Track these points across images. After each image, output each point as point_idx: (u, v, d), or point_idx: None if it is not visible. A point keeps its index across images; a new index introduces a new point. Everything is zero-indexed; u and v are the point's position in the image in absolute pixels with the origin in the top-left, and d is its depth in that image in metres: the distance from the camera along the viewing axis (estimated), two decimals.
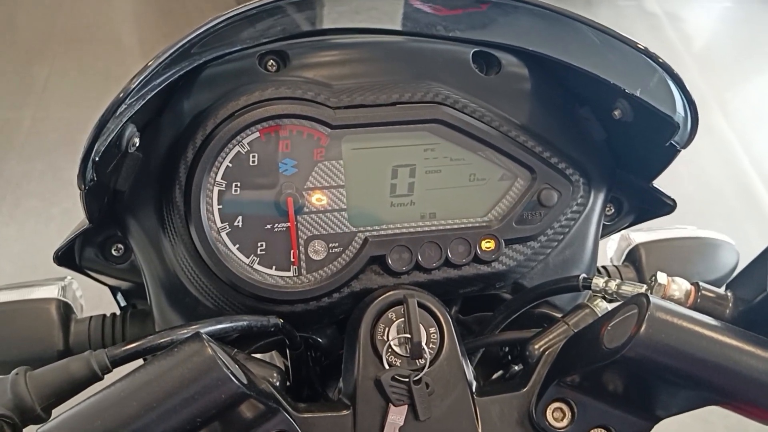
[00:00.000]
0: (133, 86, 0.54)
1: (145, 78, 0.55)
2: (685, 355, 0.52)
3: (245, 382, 0.50)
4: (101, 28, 3.61)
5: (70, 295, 0.81)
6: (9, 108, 3.10)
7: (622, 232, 0.89)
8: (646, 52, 0.63)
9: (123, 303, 0.84)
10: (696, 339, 0.53)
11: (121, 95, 0.53)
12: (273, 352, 0.84)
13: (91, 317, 0.77)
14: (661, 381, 0.54)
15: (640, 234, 0.92)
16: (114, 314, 0.78)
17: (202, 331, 0.56)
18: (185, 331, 0.55)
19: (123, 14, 3.77)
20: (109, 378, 0.52)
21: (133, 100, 0.58)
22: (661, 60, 0.62)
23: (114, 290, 0.83)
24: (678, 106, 0.65)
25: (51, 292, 0.79)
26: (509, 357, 0.82)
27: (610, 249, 0.96)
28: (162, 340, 0.54)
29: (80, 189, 0.57)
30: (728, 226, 2.81)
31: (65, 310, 0.77)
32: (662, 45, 3.80)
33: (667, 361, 0.52)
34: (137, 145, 0.63)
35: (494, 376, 0.83)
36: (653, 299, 0.54)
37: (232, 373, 0.48)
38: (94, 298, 0.93)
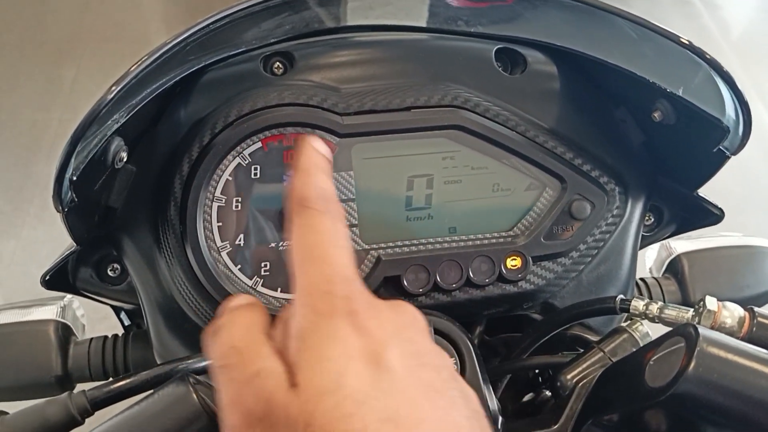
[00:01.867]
0: (111, 96, 0.49)
1: (125, 86, 0.50)
2: (740, 396, 0.45)
3: None
4: (128, 27, 3.60)
5: (70, 316, 0.77)
6: (37, 109, 3.10)
7: (663, 240, 0.82)
8: (690, 47, 0.55)
9: (127, 322, 0.80)
10: (753, 377, 0.46)
11: (96, 107, 0.48)
12: None
13: (91, 339, 0.73)
14: (712, 425, 0.47)
15: (682, 243, 0.85)
16: (116, 335, 0.74)
17: (195, 366, 0.50)
18: (173, 369, 0.50)
19: (151, 13, 3.76)
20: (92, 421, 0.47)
21: (118, 110, 0.53)
22: (708, 56, 0.55)
23: (117, 310, 0.78)
24: (728, 108, 0.58)
25: (49, 313, 0.75)
26: (540, 378, 0.75)
27: (649, 259, 0.88)
28: (148, 379, 0.49)
29: (57, 211, 0.52)
30: None
31: (64, 332, 0.72)
32: (699, 34, 3.67)
33: (720, 402, 0.46)
34: (125, 159, 0.58)
35: (525, 399, 0.77)
36: (702, 331, 0.47)
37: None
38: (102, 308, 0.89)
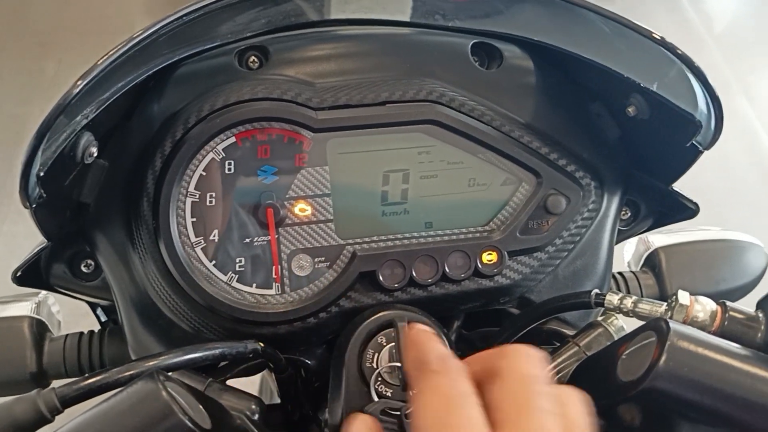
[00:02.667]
0: (77, 91, 0.48)
1: (93, 79, 0.49)
2: (710, 390, 0.46)
3: (208, 427, 0.44)
4: (111, 20, 3.56)
5: (45, 312, 0.76)
6: (18, 104, 3.07)
7: (641, 234, 0.82)
8: (662, 43, 0.55)
9: (104, 318, 0.79)
10: (723, 371, 0.46)
11: (61, 102, 0.47)
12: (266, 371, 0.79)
13: (66, 336, 0.72)
14: (684, 418, 0.47)
15: (660, 237, 0.85)
16: (92, 332, 0.73)
17: (166, 364, 0.50)
18: (144, 366, 0.49)
19: (133, 5, 3.72)
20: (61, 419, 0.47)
21: (87, 105, 0.52)
22: (680, 51, 0.55)
23: (93, 306, 0.77)
24: (700, 103, 0.58)
25: (24, 309, 0.74)
26: None
27: (627, 253, 0.89)
28: (120, 377, 0.49)
29: (25, 207, 0.51)
30: (752, 215, 2.72)
31: (39, 328, 0.71)
32: (683, 27, 3.69)
33: (691, 396, 0.46)
34: (95, 155, 0.58)
35: None
36: (673, 325, 0.47)
37: (190, 419, 0.42)
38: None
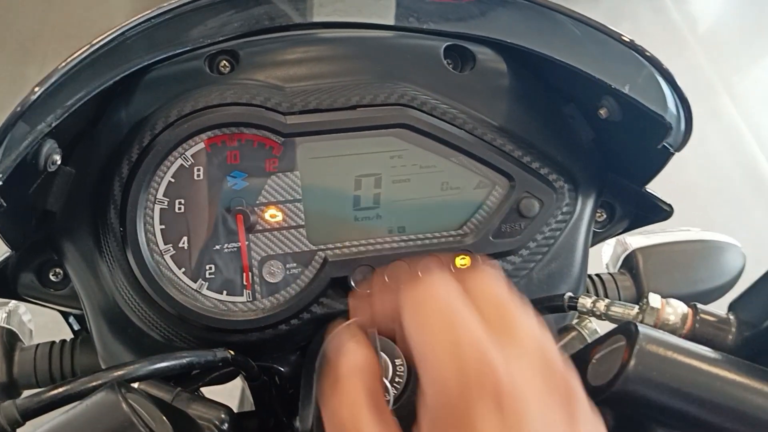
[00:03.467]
0: (35, 98, 0.47)
1: (52, 85, 0.48)
2: (679, 393, 0.45)
3: None
4: (94, 24, 3.54)
5: (15, 322, 0.75)
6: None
7: (618, 236, 0.82)
8: (632, 46, 0.55)
9: (77, 327, 0.78)
10: (693, 374, 0.46)
11: (18, 109, 0.46)
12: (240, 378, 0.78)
13: (37, 345, 0.71)
14: (655, 422, 0.47)
15: (638, 238, 0.84)
16: (63, 341, 0.72)
17: (132, 376, 0.49)
18: (107, 377, 0.49)
19: (116, 9, 3.70)
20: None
21: (49, 112, 0.51)
22: (648, 54, 0.55)
23: (65, 314, 0.76)
24: (670, 105, 0.58)
25: None
26: None
27: (605, 254, 0.88)
28: (82, 388, 0.48)
29: None
30: (736, 213, 2.74)
31: (9, 338, 0.71)
32: (667, 28, 3.71)
33: (660, 400, 0.46)
34: (58, 162, 0.57)
35: None
36: (642, 329, 0.47)
37: (151, 430, 0.41)
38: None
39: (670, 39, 3.63)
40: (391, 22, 0.72)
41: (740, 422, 0.45)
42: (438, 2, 0.73)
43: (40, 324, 0.81)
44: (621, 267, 0.83)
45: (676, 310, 0.53)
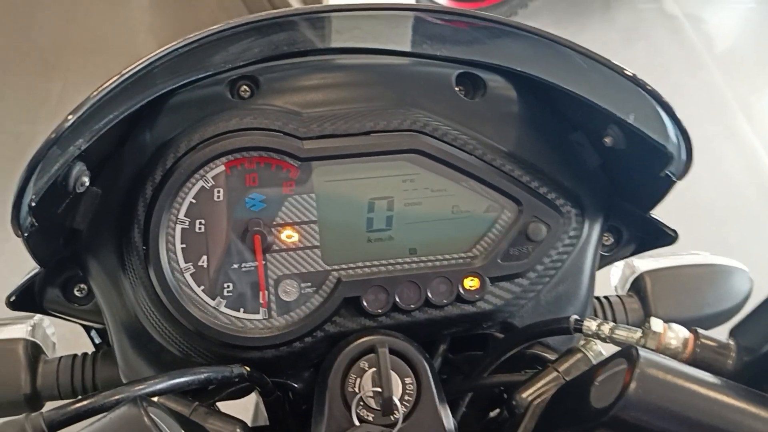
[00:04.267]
0: (68, 125, 0.50)
1: (84, 113, 0.51)
2: (679, 418, 0.47)
3: None
4: (115, 39, 3.60)
5: (40, 334, 0.77)
6: (23, 122, 3.10)
7: (627, 259, 0.84)
8: (633, 80, 0.57)
9: (98, 341, 0.80)
10: (692, 399, 0.47)
11: (53, 136, 0.49)
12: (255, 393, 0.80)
13: (60, 358, 0.73)
14: None
15: (646, 261, 0.86)
16: (85, 354, 0.75)
17: (152, 389, 0.51)
18: (130, 391, 0.51)
19: (138, 25, 3.76)
20: None
21: (79, 136, 0.54)
22: (649, 87, 0.57)
23: (87, 328, 0.79)
24: (671, 135, 0.60)
25: (19, 331, 0.75)
26: (505, 396, 0.77)
27: (614, 277, 0.90)
28: (106, 401, 0.50)
29: (17, 236, 0.53)
30: (752, 233, 2.73)
31: (34, 350, 0.73)
32: (683, 48, 3.71)
33: (660, 423, 0.47)
34: (86, 184, 0.59)
35: (491, 415, 0.78)
36: (643, 353, 0.49)
37: None
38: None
39: (686, 58, 3.64)
40: (406, 48, 0.75)
41: None
42: (452, 27, 0.75)
43: (58, 334, 0.84)
44: (629, 290, 0.85)
45: (677, 334, 0.54)
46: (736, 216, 2.83)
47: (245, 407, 1.05)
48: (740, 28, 4.19)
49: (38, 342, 0.75)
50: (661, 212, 0.72)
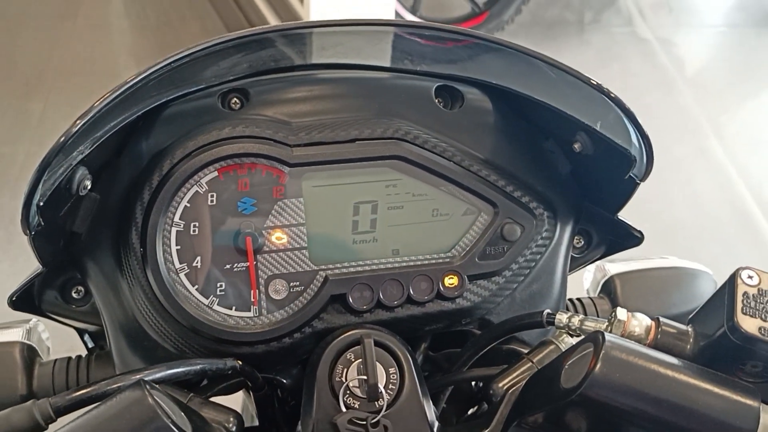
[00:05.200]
0: (76, 129, 0.54)
1: (90, 119, 0.55)
2: (641, 395, 0.51)
3: (189, 431, 0.49)
4: (97, 61, 3.63)
5: (35, 338, 0.80)
6: (4, 143, 3.11)
7: (598, 263, 0.88)
8: (598, 88, 0.62)
9: (91, 344, 0.83)
10: (652, 378, 0.52)
11: (62, 139, 0.53)
12: (243, 391, 0.83)
13: (55, 360, 0.76)
14: (621, 421, 0.53)
15: (616, 265, 0.91)
16: (80, 356, 0.77)
17: (151, 377, 0.55)
18: (132, 378, 0.54)
19: (119, 47, 3.80)
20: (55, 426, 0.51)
21: (82, 142, 0.57)
22: (613, 95, 0.62)
23: (81, 332, 0.81)
24: (633, 140, 0.65)
25: (15, 335, 0.77)
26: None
27: (587, 280, 0.94)
28: (108, 388, 0.53)
29: (25, 234, 0.57)
30: (724, 251, 2.80)
31: (29, 353, 0.75)
32: (656, 70, 3.81)
33: (624, 401, 0.51)
34: (89, 188, 0.63)
35: (470, 412, 0.81)
36: (608, 337, 0.53)
37: (173, 422, 0.47)
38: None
39: (659, 80, 3.74)
40: (387, 63, 0.79)
41: (694, 420, 0.51)
42: (431, 45, 0.80)
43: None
44: (600, 291, 0.89)
45: (641, 322, 0.59)
46: (708, 234, 2.90)
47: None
48: (711, 51, 4.31)
49: (34, 345, 0.78)
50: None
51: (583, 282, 0.95)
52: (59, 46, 3.70)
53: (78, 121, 0.54)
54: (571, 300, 0.86)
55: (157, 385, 0.53)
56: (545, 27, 3.84)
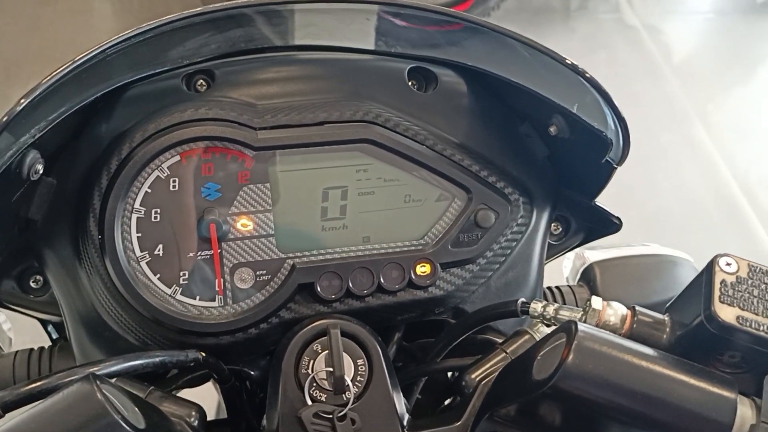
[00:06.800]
0: (20, 108, 0.51)
1: (36, 98, 0.52)
2: (615, 386, 0.49)
3: (142, 426, 0.46)
4: (79, 47, 3.54)
5: None
6: None
7: (577, 250, 0.86)
8: (573, 68, 0.60)
9: (55, 335, 0.80)
10: (626, 369, 0.50)
11: (4, 119, 0.50)
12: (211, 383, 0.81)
13: (16, 352, 0.73)
14: (594, 414, 0.51)
15: (596, 252, 0.89)
16: (42, 348, 0.75)
17: (106, 371, 0.52)
18: (84, 371, 0.52)
19: (101, 33, 3.74)
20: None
21: (34, 124, 0.54)
22: (588, 75, 0.60)
23: (44, 323, 0.79)
24: (609, 123, 0.63)
25: None
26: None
27: (566, 268, 0.93)
28: (60, 382, 0.50)
29: None
30: (709, 239, 2.80)
31: None
32: (642, 57, 3.79)
33: (597, 393, 0.49)
34: (40, 172, 0.60)
35: (446, 403, 0.80)
36: (581, 327, 0.51)
37: (123, 418, 0.44)
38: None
39: (645, 68, 3.73)
40: (360, 45, 0.77)
41: (669, 412, 0.49)
42: (405, 26, 0.77)
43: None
44: (580, 279, 0.88)
45: (616, 311, 0.57)
46: (694, 222, 2.89)
47: (208, 407, 1.05)
48: (698, 37, 4.30)
49: None
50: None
51: (563, 270, 0.93)
52: (39, 32, 3.64)
53: (22, 100, 0.51)
54: (549, 288, 0.84)
55: (111, 380, 0.51)
56: (531, 13, 3.81)
